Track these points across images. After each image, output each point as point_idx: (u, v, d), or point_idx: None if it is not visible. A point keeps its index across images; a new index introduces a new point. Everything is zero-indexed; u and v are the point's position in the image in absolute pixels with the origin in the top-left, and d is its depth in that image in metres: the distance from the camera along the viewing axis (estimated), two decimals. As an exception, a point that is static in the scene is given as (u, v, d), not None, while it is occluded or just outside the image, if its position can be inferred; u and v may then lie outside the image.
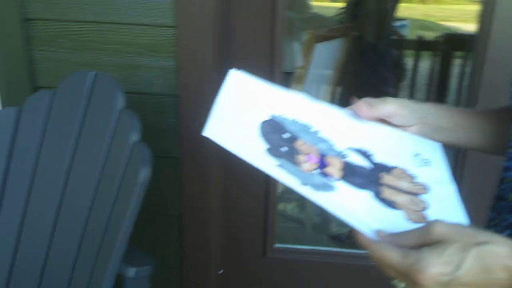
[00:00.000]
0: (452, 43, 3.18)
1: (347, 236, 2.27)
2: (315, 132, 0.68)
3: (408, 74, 3.48)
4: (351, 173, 0.64)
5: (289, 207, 2.56)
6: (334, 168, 0.63)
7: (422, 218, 0.59)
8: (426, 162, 0.69)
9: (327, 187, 0.60)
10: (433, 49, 3.32)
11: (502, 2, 1.32)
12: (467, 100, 1.48)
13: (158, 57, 1.30)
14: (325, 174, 0.62)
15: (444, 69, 3.28)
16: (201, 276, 1.58)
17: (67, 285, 1.07)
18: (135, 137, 1.02)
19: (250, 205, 1.63)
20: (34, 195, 1.15)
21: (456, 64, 3.29)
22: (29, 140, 1.15)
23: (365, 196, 0.61)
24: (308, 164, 0.63)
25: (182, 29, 1.26)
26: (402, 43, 3.24)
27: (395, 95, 3.30)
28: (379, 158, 0.67)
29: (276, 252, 1.72)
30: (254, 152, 0.62)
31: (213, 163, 1.43)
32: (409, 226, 0.57)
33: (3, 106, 1.34)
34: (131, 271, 0.99)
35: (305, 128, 0.68)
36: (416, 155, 0.69)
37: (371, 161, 0.67)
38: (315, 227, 2.38)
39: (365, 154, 0.67)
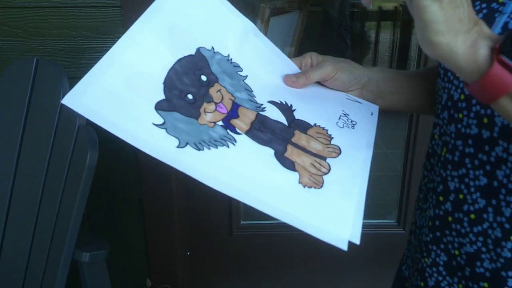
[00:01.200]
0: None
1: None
2: (242, 77, 0.65)
3: (371, 46, 3.51)
4: (261, 128, 0.61)
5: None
6: (243, 121, 0.61)
7: (317, 183, 0.58)
8: (352, 124, 0.69)
9: (225, 140, 0.57)
10: (393, 19, 3.36)
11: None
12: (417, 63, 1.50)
13: (106, 39, 1.28)
14: (230, 126, 0.59)
15: (404, 38, 3.31)
16: (168, 259, 1.59)
17: (23, 274, 1.07)
18: (80, 120, 1.01)
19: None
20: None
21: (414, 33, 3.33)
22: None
23: (265, 153, 0.59)
24: (213, 114, 0.59)
25: (128, 8, 1.24)
26: (365, 15, 3.26)
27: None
28: (301, 115, 0.66)
29: (243, 229, 1.74)
30: (131, 111, 0.53)
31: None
32: (297, 190, 0.56)
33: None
34: (85, 256, 0.99)
35: (234, 70, 0.64)
36: (344, 115, 0.69)
37: (291, 116, 0.65)
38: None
39: (286, 108, 0.65)
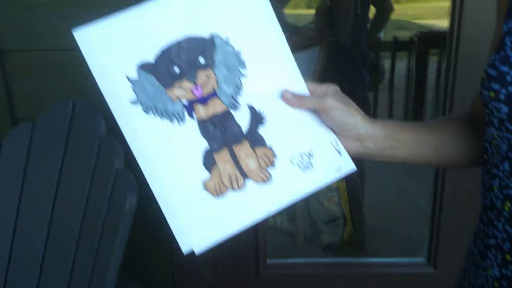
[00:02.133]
0: (426, 41, 3.23)
1: (338, 244, 2.27)
2: (240, 75, 0.66)
3: (386, 75, 3.52)
4: (216, 123, 0.64)
5: (278, 220, 2.55)
6: (207, 110, 0.64)
7: (217, 192, 0.63)
8: (305, 166, 0.67)
9: (174, 116, 0.62)
10: (409, 49, 3.37)
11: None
12: (444, 97, 1.49)
13: (137, 80, 1.28)
14: (189, 108, 0.63)
15: (420, 67, 3.32)
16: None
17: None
18: (118, 164, 1.01)
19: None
20: (20, 231, 1.13)
21: (433, 61, 3.34)
22: (11, 175, 1.13)
23: (197, 145, 0.63)
24: (185, 92, 0.63)
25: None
26: (379, 45, 3.27)
27: (373, 97, 3.33)
28: (265, 132, 0.66)
29: (269, 268, 1.70)
30: (116, 58, 0.61)
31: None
32: (195, 186, 0.62)
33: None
34: (123, 303, 0.97)
35: (236, 65, 0.65)
36: (307, 155, 0.67)
37: (254, 127, 0.66)
38: (306, 238, 2.37)
39: (256, 119, 0.66)
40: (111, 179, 1.00)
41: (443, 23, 6.72)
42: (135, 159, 0.61)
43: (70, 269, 1.05)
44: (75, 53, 1.22)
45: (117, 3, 1.18)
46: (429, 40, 3.20)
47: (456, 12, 1.35)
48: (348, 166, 0.68)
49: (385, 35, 3.58)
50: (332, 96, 0.67)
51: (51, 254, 1.09)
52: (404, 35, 3.74)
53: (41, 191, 1.11)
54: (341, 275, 1.72)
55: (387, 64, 3.52)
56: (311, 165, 0.67)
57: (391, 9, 2.65)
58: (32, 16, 1.22)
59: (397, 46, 3.40)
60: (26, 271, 1.12)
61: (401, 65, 3.64)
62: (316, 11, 2.49)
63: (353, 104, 0.69)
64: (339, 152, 0.68)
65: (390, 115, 3.60)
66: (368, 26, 2.49)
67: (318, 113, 0.68)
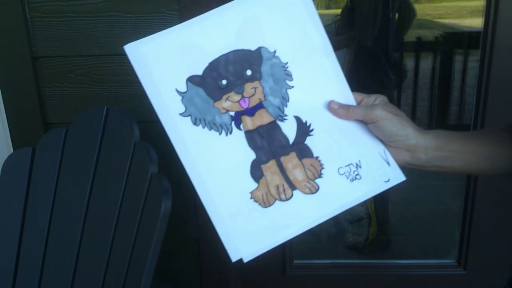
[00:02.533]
0: (452, 41, 3.19)
1: (363, 245, 2.26)
2: (287, 86, 0.67)
3: (408, 74, 3.48)
4: (263, 134, 0.65)
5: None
6: (254, 121, 0.65)
7: (265, 202, 0.64)
8: (353, 177, 0.67)
9: (222, 128, 0.64)
10: (433, 49, 3.33)
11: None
12: (477, 98, 1.47)
13: (167, 85, 1.29)
14: (237, 120, 0.65)
15: (445, 67, 3.28)
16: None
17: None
18: (153, 169, 1.02)
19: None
20: (53, 236, 1.15)
21: (458, 60, 3.29)
22: (45, 180, 1.15)
23: (245, 155, 0.64)
24: (232, 104, 0.65)
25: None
26: (402, 45, 3.24)
27: (397, 96, 3.30)
28: (312, 142, 0.67)
29: (296, 268, 1.71)
30: (168, 73, 0.63)
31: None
32: (242, 196, 0.64)
33: (14, 145, 1.34)
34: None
35: (283, 77, 0.67)
36: (355, 165, 0.68)
37: (301, 138, 0.67)
38: (330, 238, 2.37)
39: (303, 130, 0.67)
40: (145, 184, 1.01)
41: (465, 23, 6.65)
42: (181, 168, 0.63)
43: (103, 275, 1.07)
44: (106, 58, 1.26)
45: (150, 12, 1.21)
46: (454, 40, 3.16)
47: (491, 12, 1.33)
48: (398, 177, 0.68)
49: (407, 35, 3.55)
50: (381, 107, 0.67)
51: (85, 259, 1.11)
52: (425, 34, 3.70)
53: (74, 197, 1.13)
54: (368, 276, 1.71)
55: (409, 63, 3.49)
56: (359, 175, 0.67)
57: (414, 14, 2.63)
58: (64, 24, 1.24)
59: (421, 46, 3.36)
60: (59, 278, 1.13)
61: (424, 64, 3.60)
62: (342, 12, 2.49)
63: (403, 114, 0.68)
64: (387, 163, 0.68)
65: (413, 115, 3.56)
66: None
67: (367, 123, 0.68)
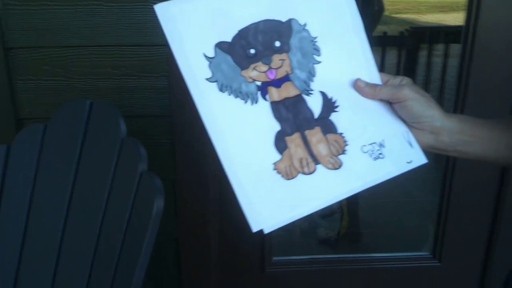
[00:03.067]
0: (418, 37, 3.25)
1: (335, 239, 2.27)
2: (314, 61, 0.67)
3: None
4: (289, 106, 0.65)
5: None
6: (280, 93, 0.65)
7: (288, 174, 0.64)
8: (377, 156, 0.68)
9: (248, 96, 0.63)
10: (400, 44, 3.38)
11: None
12: (457, 93, 1.49)
13: (149, 78, 1.25)
14: (263, 90, 0.64)
15: (411, 62, 3.34)
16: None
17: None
18: (142, 166, 0.97)
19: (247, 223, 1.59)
20: (29, 242, 1.08)
21: (421, 55, 3.36)
22: (21, 182, 1.08)
23: (269, 126, 0.64)
24: (259, 74, 0.64)
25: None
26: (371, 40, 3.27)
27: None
28: (337, 118, 0.67)
29: (275, 265, 1.69)
30: (196, 38, 0.62)
31: (209, 184, 1.38)
32: (266, 168, 0.63)
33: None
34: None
35: (311, 52, 0.67)
36: (379, 145, 0.68)
37: (326, 113, 0.67)
38: (303, 232, 2.37)
39: (329, 105, 0.67)
40: (134, 183, 0.96)
41: (423, 18, 6.81)
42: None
43: (87, 280, 1.01)
44: (86, 49, 1.20)
45: (133, 1, 1.15)
46: (420, 35, 3.22)
47: (473, 7, 1.35)
48: (420, 159, 0.69)
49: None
50: (409, 87, 0.67)
51: (65, 268, 1.05)
52: (386, 29, 3.75)
53: (54, 200, 1.07)
54: (345, 270, 1.72)
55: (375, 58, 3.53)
56: (382, 155, 0.67)
57: (383, 9, 2.66)
58: (40, 13, 1.17)
59: (386, 41, 3.40)
60: (38, 283, 1.07)
61: (389, 60, 3.65)
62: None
63: (430, 96, 0.68)
64: (410, 144, 0.68)
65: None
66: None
67: (393, 103, 0.68)
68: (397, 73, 3.39)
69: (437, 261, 1.69)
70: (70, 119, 1.07)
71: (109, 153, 1.01)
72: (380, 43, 3.29)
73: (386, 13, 7.06)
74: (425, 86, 3.26)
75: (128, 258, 0.96)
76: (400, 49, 3.33)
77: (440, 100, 3.18)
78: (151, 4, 1.17)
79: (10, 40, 1.19)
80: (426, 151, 0.71)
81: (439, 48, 3.19)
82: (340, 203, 2.33)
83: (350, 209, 2.39)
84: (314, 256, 1.78)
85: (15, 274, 1.08)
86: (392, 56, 3.55)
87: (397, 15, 7.22)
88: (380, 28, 3.66)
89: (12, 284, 1.09)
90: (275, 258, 1.70)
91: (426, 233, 1.89)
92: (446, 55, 3.05)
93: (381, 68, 3.43)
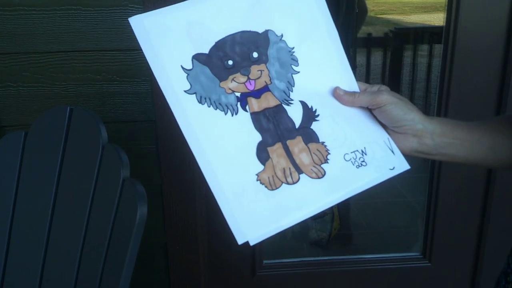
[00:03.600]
0: (402, 37, 3.26)
1: (327, 240, 2.27)
2: (292, 71, 0.67)
3: (358, 70, 3.54)
4: (269, 116, 0.65)
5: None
6: (260, 103, 0.65)
7: (271, 185, 0.63)
8: (359, 164, 0.67)
9: (227, 108, 0.63)
10: (384, 45, 3.40)
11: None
12: (439, 93, 1.49)
13: (131, 83, 1.23)
14: (243, 101, 0.64)
15: (396, 62, 3.36)
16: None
17: None
18: (125, 173, 0.95)
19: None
20: (12, 255, 1.05)
21: (406, 56, 3.38)
22: (3, 188, 1.05)
23: (251, 137, 0.64)
24: (238, 85, 0.64)
25: (154, 51, 1.20)
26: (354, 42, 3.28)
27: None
28: (318, 127, 0.66)
29: (266, 268, 1.68)
30: (173, 48, 0.61)
31: (195, 187, 1.37)
32: (249, 179, 0.62)
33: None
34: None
35: (289, 62, 0.67)
36: (361, 152, 0.68)
37: (307, 123, 0.66)
38: (294, 235, 2.36)
39: (309, 114, 0.67)
40: (117, 190, 0.94)
41: (408, 19, 6.85)
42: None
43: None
44: (66, 55, 1.18)
45: (112, 5, 1.14)
46: (403, 36, 3.24)
47: (453, 7, 1.35)
48: (402, 165, 0.68)
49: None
50: (387, 92, 0.67)
51: (51, 273, 1.03)
52: (371, 30, 3.77)
53: (37, 207, 1.04)
54: (336, 272, 1.71)
55: (359, 59, 3.55)
56: (365, 162, 0.67)
57: (367, 10, 2.68)
58: (17, 18, 1.14)
59: (371, 42, 3.42)
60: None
61: (373, 61, 3.66)
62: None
63: (408, 100, 0.68)
64: (392, 151, 0.68)
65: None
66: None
67: (373, 109, 0.68)
68: (383, 73, 3.41)
69: (427, 261, 1.69)
70: (51, 126, 1.04)
71: (90, 160, 0.99)
72: (365, 44, 3.30)
73: (371, 14, 7.13)
74: (411, 86, 3.28)
75: (113, 265, 0.94)
76: (385, 50, 3.35)
77: (426, 100, 3.19)
78: (129, 9, 1.16)
79: (-12, 47, 1.16)
80: (411, 156, 0.70)
81: (424, 48, 3.21)
82: (330, 205, 2.33)
83: (341, 211, 2.39)
84: (305, 259, 1.77)
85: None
86: (377, 57, 3.57)
87: (382, 16, 7.25)
88: (365, 29, 3.68)
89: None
90: (265, 261, 1.69)
91: (416, 234, 1.89)
92: (430, 55, 3.07)
93: (367, 69, 3.45)
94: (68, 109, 1.03)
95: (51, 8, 1.14)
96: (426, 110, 3.07)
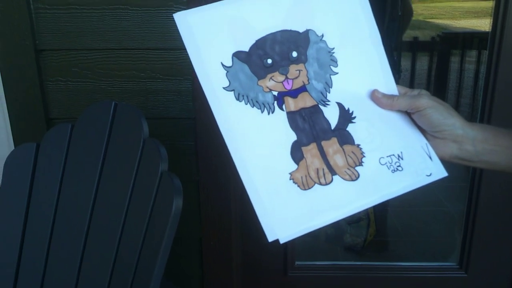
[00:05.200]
0: (448, 42, 3.19)
1: (361, 246, 2.25)
2: (331, 72, 0.67)
3: (402, 75, 3.48)
4: (305, 116, 0.65)
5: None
6: (296, 103, 0.65)
7: (304, 185, 0.63)
8: (394, 168, 0.66)
9: (264, 106, 0.64)
10: (430, 49, 3.33)
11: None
12: (483, 98, 1.46)
13: (174, 81, 1.27)
14: (280, 100, 0.65)
15: (442, 67, 3.28)
16: (224, 299, 1.54)
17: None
18: (163, 166, 0.99)
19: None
20: (56, 236, 1.11)
21: (453, 61, 3.30)
22: (49, 178, 1.11)
23: (286, 136, 0.64)
24: (276, 84, 0.64)
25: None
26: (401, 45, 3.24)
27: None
28: (354, 130, 0.66)
29: (298, 269, 1.69)
30: (214, 46, 0.63)
31: (231, 185, 1.39)
32: (282, 178, 0.63)
33: (15, 141, 1.30)
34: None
35: (328, 63, 0.67)
36: (397, 157, 0.67)
37: (343, 124, 0.66)
38: (328, 238, 2.35)
39: (346, 116, 0.67)
40: (155, 182, 0.98)
41: (458, 23, 6.68)
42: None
43: (109, 276, 1.03)
44: (113, 52, 1.23)
45: (158, 5, 1.18)
46: (451, 40, 3.16)
47: (500, 12, 1.32)
48: (440, 172, 0.67)
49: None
50: (427, 96, 0.66)
51: (89, 260, 1.08)
52: (418, 34, 3.70)
53: (80, 196, 1.09)
54: (369, 278, 1.70)
55: (405, 63, 3.49)
56: (401, 167, 0.66)
57: (412, 14, 2.63)
58: (69, 16, 1.20)
59: (417, 46, 3.36)
60: (62, 281, 1.10)
61: (420, 65, 3.59)
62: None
63: (449, 105, 0.67)
64: (430, 157, 0.67)
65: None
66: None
67: (412, 113, 0.68)
68: (429, 78, 3.34)
69: (463, 272, 1.65)
70: (96, 119, 1.09)
71: (132, 153, 1.03)
72: (411, 48, 3.24)
73: (420, 18, 6.99)
74: (457, 93, 3.20)
75: (148, 256, 0.98)
76: (432, 54, 3.28)
77: (472, 107, 3.11)
78: (174, 9, 1.19)
79: (41, 43, 1.23)
80: (452, 164, 0.69)
81: (472, 54, 3.13)
82: (367, 210, 2.31)
83: (378, 217, 2.36)
84: (337, 262, 1.77)
85: (44, 266, 1.11)
86: (423, 61, 3.50)
87: (431, 20, 7.09)
88: (412, 33, 3.62)
89: (40, 281, 1.12)
90: (298, 263, 1.70)
91: (453, 243, 1.85)
92: (478, 61, 2.98)
93: (412, 73, 3.39)
94: (113, 104, 1.08)
95: (101, 7, 1.20)
96: (472, 117, 3.00)
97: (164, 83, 1.27)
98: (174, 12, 1.17)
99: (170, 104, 1.29)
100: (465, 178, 1.66)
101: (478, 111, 1.49)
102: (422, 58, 3.50)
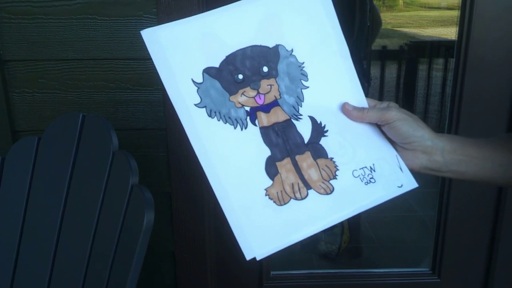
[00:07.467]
0: (418, 50, 3.26)
1: (336, 253, 2.25)
2: (302, 86, 0.67)
3: (372, 83, 3.53)
4: (278, 131, 0.65)
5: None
6: (269, 118, 0.65)
7: (280, 200, 0.63)
8: (367, 181, 0.67)
9: (237, 122, 0.64)
10: (399, 57, 3.39)
11: (479, 7, 1.32)
12: (451, 105, 1.48)
13: (143, 91, 1.25)
14: (252, 116, 0.64)
15: (411, 75, 3.34)
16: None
17: None
18: (134, 179, 0.97)
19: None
20: (23, 254, 1.07)
21: (421, 69, 3.37)
22: (15, 192, 1.07)
23: (260, 151, 0.64)
24: (248, 99, 0.64)
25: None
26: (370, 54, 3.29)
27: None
28: (327, 143, 0.66)
29: (273, 280, 1.68)
30: (184, 62, 0.62)
31: (204, 197, 1.38)
32: (257, 194, 0.63)
33: (-21, 154, 1.26)
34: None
35: (299, 77, 0.67)
36: (369, 169, 0.67)
37: (316, 138, 0.66)
38: (303, 246, 2.35)
39: (318, 130, 0.67)
40: (126, 195, 0.96)
41: (425, 32, 6.82)
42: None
43: (80, 290, 1.01)
44: (80, 63, 1.20)
45: (127, 15, 1.16)
46: (418, 48, 3.23)
47: (465, 22, 1.35)
48: (410, 183, 0.68)
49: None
50: (396, 108, 0.67)
51: (58, 279, 1.04)
52: (387, 43, 3.77)
53: (47, 210, 1.06)
54: (345, 285, 1.70)
55: (374, 71, 3.54)
56: (373, 179, 0.67)
57: (381, 23, 2.68)
58: (35, 26, 1.17)
59: (386, 54, 3.42)
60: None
61: (388, 73, 3.65)
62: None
63: (417, 117, 0.68)
64: (400, 169, 0.67)
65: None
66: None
67: (382, 126, 0.68)
68: (397, 86, 3.40)
69: (436, 277, 1.67)
70: (63, 132, 1.07)
71: (101, 166, 1.01)
72: (380, 57, 3.30)
73: (388, 26, 7.11)
74: (425, 100, 3.26)
75: (119, 272, 0.95)
76: (400, 62, 3.34)
77: (440, 114, 3.18)
78: (143, 19, 1.18)
79: (6, 53, 1.19)
80: (420, 174, 0.70)
81: (439, 62, 3.20)
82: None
83: (351, 224, 2.38)
84: (313, 271, 1.76)
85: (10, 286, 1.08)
86: (392, 69, 3.56)
87: (399, 29, 7.22)
88: (381, 42, 3.68)
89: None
90: (273, 273, 1.69)
91: (426, 249, 1.87)
92: (445, 69, 3.05)
93: (381, 82, 3.44)
94: (80, 116, 1.05)
95: (68, 17, 1.17)
96: (440, 124, 3.06)
97: (134, 93, 1.25)
98: (144, 22, 1.16)
99: (140, 114, 1.27)
100: (435, 183, 1.69)
101: (446, 117, 1.52)
102: (391, 66, 3.56)
